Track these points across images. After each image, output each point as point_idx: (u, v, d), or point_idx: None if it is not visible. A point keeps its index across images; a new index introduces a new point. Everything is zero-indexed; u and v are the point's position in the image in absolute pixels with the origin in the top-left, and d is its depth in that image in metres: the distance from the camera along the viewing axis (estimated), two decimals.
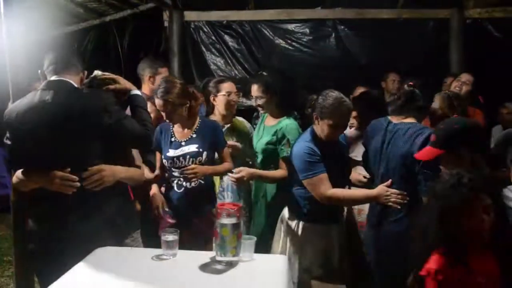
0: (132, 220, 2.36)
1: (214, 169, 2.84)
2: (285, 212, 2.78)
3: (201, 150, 2.77)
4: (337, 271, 2.64)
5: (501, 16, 5.15)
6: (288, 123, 2.93)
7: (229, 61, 5.53)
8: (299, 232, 2.64)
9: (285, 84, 3.07)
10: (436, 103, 3.30)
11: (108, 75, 2.34)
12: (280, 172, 2.86)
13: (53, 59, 2.20)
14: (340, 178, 2.66)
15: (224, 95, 3.20)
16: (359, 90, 4.41)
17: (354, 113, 3.67)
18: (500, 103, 4.71)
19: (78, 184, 2.05)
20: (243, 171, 2.77)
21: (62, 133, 2.06)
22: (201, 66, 5.54)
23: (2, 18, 2.34)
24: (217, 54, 5.57)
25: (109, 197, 2.15)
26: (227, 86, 3.24)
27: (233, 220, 1.91)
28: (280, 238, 2.77)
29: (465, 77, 3.99)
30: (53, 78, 2.17)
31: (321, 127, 2.55)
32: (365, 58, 5.39)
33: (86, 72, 2.32)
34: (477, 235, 1.62)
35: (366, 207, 2.76)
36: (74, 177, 2.05)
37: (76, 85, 2.19)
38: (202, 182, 2.78)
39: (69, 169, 2.05)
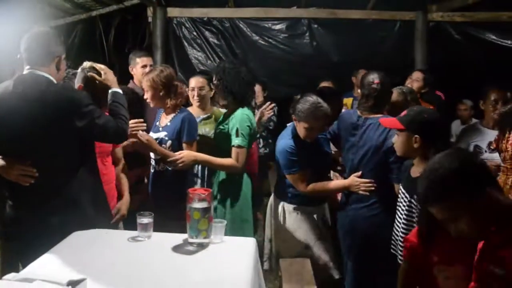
0: (104, 211, 2.32)
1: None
2: (272, 198, 2.92)
3: (166, 138, 2.74)
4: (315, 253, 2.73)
5: (460, 20, 5.26)
6: (239, 113, 2.78)
7: (210, 56, 5.51)
8: (285, 214, 2.77)
9: (233, 76, 2.82)
10: (393, 97, 3.35)
11: (99, 66, 2.33)
12: (229, 160, 2.73)
13: (27, 49, 2.09)
14: (321, 170, 2.80)
15: (191, 90, 3.23)
16: (324, 84, 4.45)
17: None
18: (459, 100, 4.83)
19: (35, 175, 2.03)
20: (183, 153, 2.63)
21: (29, 126, 2.00)
22: (183, 60, 5.50)
23: None
24: (198, 49, 5.53)
25: (81, 189, 2.12)
26: (192, 82, 3.28)
27: (204, 205, 1.92)
28: (270, 223, 2.89)
29: (416, 75, 4.06)
30: (26, 69, 2.08)
31: (299, 128, 2.63)
32: (337, 55, 5.42)
33: (64, 62, 2.23)
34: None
35: None
36: (32, 170, 2.03)
37: (50, 78, 2.09)
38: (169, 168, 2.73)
39: (29, 162, 2.03)
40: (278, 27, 5.48)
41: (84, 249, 1.92)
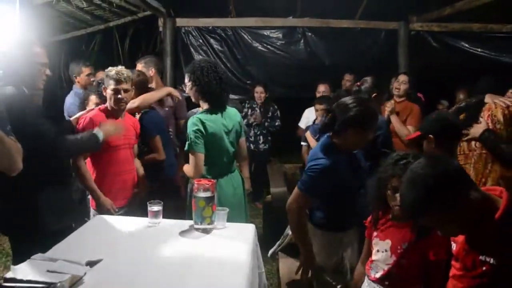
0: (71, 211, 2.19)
1: None
2: None
3: None
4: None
5: (437, 30, 5.19)
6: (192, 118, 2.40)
7: None
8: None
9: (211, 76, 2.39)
10: None
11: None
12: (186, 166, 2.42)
13: None
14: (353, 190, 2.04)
15: None
16: (321, 87, 4.46)
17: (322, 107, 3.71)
18: (437, 100, 4.81)
19: None
20: None
21: None
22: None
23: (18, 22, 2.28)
24: (203, 55, 5.44)
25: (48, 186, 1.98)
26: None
27: (208, 194, 1.94)
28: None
29: (402, 77, 4.01)
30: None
31: (347, 137, 1.93)
32: (329, 60, 5.35)
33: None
34: (387, 206, 1.68)
35: None
36: None
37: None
38: None
39: None
40: (275, 35, 5.41)
41: (101, 233, 1.94)
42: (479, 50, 5.07)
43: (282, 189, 4.17)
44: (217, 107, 2.43)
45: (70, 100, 3.58)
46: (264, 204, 4.27)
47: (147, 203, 2.05)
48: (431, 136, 2.06)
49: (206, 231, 1.95)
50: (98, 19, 4.92)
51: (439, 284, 1.53)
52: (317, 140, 3.62)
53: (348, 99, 1.96)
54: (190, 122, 2.37)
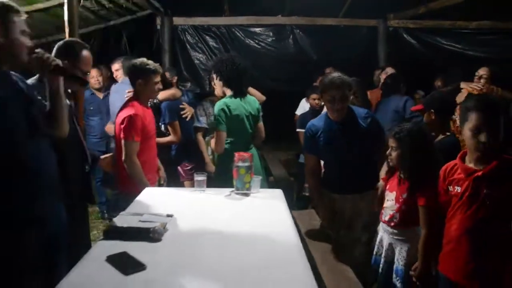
0: None
1: None
2: None
3: None
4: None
5: (413, 27, 5.71)
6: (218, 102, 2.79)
7: (209, 57, 5.69)
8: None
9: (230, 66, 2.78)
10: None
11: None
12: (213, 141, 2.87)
13: None
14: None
15: None
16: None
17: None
18: (413, 90, 5.30)
19: None
20: None
21: None
22: (187, 61, 5.71)
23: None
24: (199, 51, 5.74)
25: None
26: None
27: (247, 163, 2.29)
28: None
29: (391, 70, 4.51)
30: None
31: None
32: (315, 55, 5.73)
33: None
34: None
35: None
36: None
37: None
38: None
39: None
40: (266, 32, 5.75)
41: (160, 199, 2.25)
42: (449, 44, 5.64)
43: (282, 171, 4.58)
44: (238, 93, 2.80)
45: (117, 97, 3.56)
46: (269, 185, 4.64)
47: (194, 174, 2.39)
48: (432, 110, 2.53)
49: (246, 195, 2.30)
50: (100, 18, 5.11)
51: (433, 225, 1.94)
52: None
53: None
54: (216, 105, 2.76)
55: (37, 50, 1.60)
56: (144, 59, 2.69)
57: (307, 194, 4.05)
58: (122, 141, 2.51)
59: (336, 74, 2.46)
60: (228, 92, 2.84)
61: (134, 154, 2.50)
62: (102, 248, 1.56)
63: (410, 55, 5.67)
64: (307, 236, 2.64)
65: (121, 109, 2.66)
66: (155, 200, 2.23)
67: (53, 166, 1.70)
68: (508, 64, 4.35)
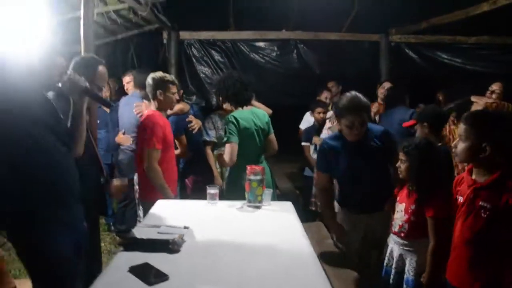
0: None
1: None
2: None
3: None
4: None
5: (414, 42, 5.80)
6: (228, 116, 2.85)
7: (215, 71, 5.75)
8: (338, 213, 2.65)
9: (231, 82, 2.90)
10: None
11: None
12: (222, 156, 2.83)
13: None
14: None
15: None
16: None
17: None
18: (416, 104, 5.38)
19: None
20: None
21: None
22: (193, 74, 5.77)
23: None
24: (205, 65, 5.80)
25: None
26: None
27: (258, 176, 2.35)
28: None
29: (387, 84, 4.59)
30: None
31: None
32: (319, 69, 5.78)
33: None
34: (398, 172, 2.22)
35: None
36: None
37: None
38: None
39: None
40: (270, 46, 5.82)
41: (173, 211, 2.30)
42: (449, 59, 5.74)
43: (288, 184, 4.64)
44: (244, 104, 2.90)
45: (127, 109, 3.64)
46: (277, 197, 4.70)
47: (206, 186, 2.44)
48: (425, 123, 2.61)
49: (257, 207, 2.35)
50: (110, 32, 5.21)
51: (441, 236, 1.98)
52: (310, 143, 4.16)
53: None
54: (226, 119, 2.83)
55: (69, 72, 1.67)
56: (161, 72, 2.83)
57: (313, 208, 4.09)
58: (144, 149, 2.60)
59: (353, 94, 2.38)
60: (236, 107, 2.92)
61: (156, 161, 2.58)
62: (123, 259, 1.61)
63: (412, 70, 5.75)
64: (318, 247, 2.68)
65: (142, 119, 2.78)
66: (169, 212, 2.28)
67: (77, 176, 1.75)
68: (505, 79, 4.44)
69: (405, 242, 2.16)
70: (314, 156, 4.20)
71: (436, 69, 5.74)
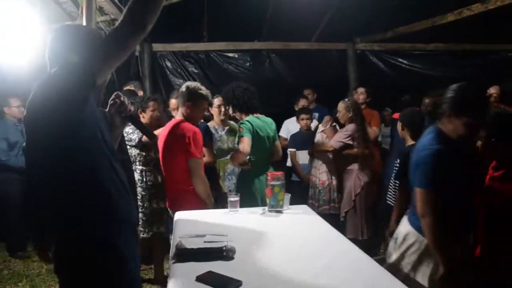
0: None
1: None
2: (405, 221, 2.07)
3: None
4: None
5: (378, 49, 6.20)
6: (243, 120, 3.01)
7: None
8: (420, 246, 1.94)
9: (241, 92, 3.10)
10: (340, 107, 4.04)
11: None
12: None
13: None
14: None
15: (217, 107, 3.66)
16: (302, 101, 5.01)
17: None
18: (382, 108, 5.70)
19: None
20: None
21: None
22: (167, 86, 5.70)
23: None
24: (179, 76, 5.77)
25: None
26: (217, 101, 3.69)
27: (280, 181, 2.41)
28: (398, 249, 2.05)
29: (360, 90, 4.86)
30: None
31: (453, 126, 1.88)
32: (290, 78, 5.94)
33: None
34: None
35: None
36: None
37: None
38: None
39: None
40: (244, 57, 5.92)
41: (198, 221, 2.28)
42: (410, 65, 6.17)
43: None
44: (253, 112, 3.02)
45: None
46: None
47: (227, 194, 2.46)
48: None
49: (279, 212, 2.41)
50: None
51: None
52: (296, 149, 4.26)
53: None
54: (240, 124, 2.96)
55: (119, 94, 1.64)
56: (198, 84, 2.81)
57: None
58: (188, 160, 2.59)
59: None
60: (243, 116, 2.97)
61: (202, 171, 2.63)
62: (180, 270, 1.60)
63: (377, 75, 6.09)
64: None
65: (172, 129, 2.71)
66: (195, 222, 2.26)
67: None
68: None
69: None
70: (300, 161, 4.33)
71: (398, 75, 6.14)
